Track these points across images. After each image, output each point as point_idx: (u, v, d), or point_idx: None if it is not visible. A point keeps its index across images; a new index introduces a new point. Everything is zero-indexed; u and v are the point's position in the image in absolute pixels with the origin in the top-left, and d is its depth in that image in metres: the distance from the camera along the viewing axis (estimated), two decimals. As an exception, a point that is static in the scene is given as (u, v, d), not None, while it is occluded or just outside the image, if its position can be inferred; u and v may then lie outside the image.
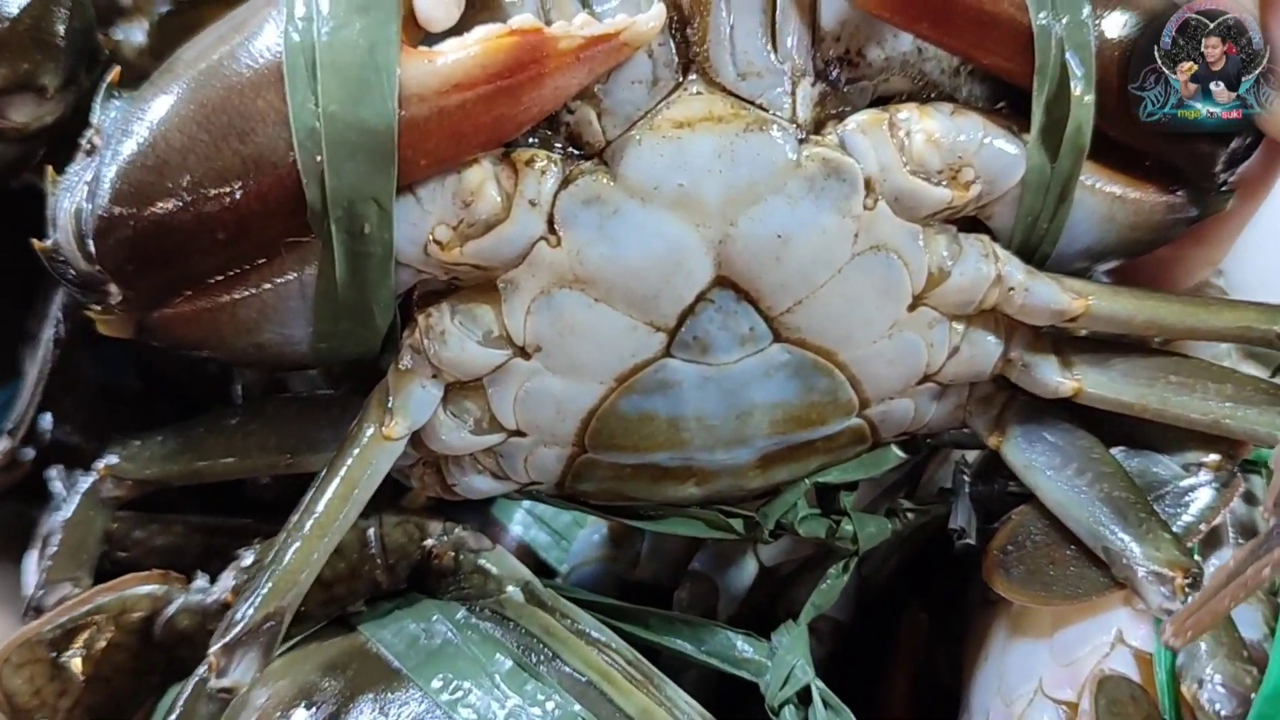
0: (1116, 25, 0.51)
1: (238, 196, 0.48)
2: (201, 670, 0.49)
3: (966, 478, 0.58)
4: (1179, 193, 0.54)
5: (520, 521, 0.71)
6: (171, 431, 0.58)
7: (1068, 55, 0.49)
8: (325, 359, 0.54)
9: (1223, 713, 0.44)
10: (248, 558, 0.55)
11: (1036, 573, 0.53)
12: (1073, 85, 0.50)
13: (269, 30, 0.48)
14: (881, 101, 0.52)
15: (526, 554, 0.70)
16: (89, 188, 0.50)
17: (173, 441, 0.58)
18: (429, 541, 0.57)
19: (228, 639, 0.49)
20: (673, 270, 0.49)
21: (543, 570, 0.70)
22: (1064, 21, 0.49)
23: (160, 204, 0.48)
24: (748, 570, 0.65)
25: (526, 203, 0.49)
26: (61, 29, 0.59)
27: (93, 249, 0.50)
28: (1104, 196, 0.53)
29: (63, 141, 0.57)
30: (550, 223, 0.49)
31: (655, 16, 0.48)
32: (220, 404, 0.67)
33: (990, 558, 0.55)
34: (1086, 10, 0.50)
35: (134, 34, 0.67)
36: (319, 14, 0.47)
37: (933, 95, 0.52)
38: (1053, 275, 0.53)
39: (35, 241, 0.52)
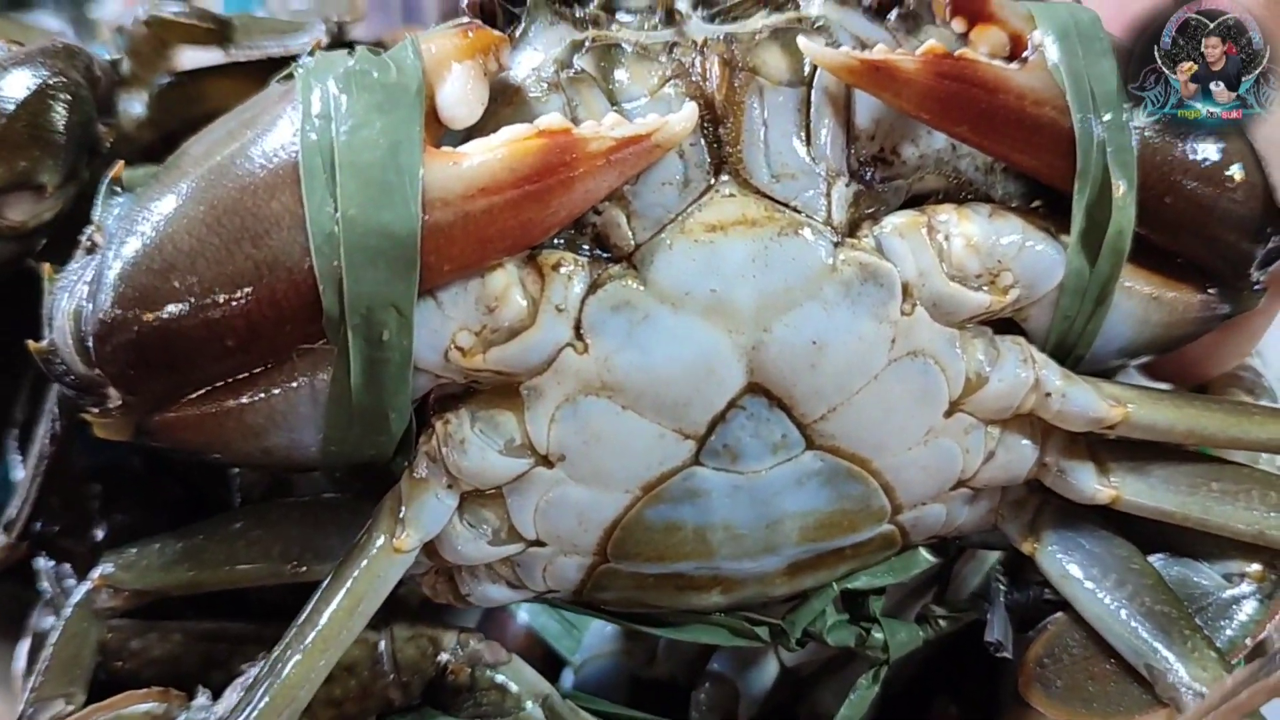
0: (1155, 125, 0.50)
1: (250, 303, 0.45)
2: None
3: (1002, 586, 0.56)
4: (1212, 291, 0.53)
5: (528, 609, 0.68)
6: (170, 539, 0.55)
7: (1109, 157, 0.48)
8: (336, 463, 0.51)
9: None
10: (252, 672, 0.52)
11: (1076, 689, 0.52)
12: (1115, 188, 0.48)
13: (284, 127, 0.46)
14: (916, 200, 0.51)
15: (535, 643, 0.67)
16: (89, 288, 0.47)
17: (171, 550, 0.55)
18: (443, 656, 0.54)
19: None
20: (704, 378, 0.47)
21: (552, 660, 0.66)
22: (1105, 121, 0.48)
23: (166, 309, 0.46)
24: (769, 672, 0.63)
25: (553, 308, 0.47)
26: (60, 124, 0.57)
27: (92, 352, 0.47)
28: (1140, 297, 0.52)
29: (62, 235, 0.55)
30: (577, 329, 0.47)
31: (688, 116, 0.46)
32: (223, 491, 0.64)
33: (1027, 670, 0.53)
34: (1126, 111, 0.49)
35: (133, 105, 0.65)
36: (338, 112, 0.45)
37: (967, 193, 0.51)
38: (1090, 380, 0.51)
39: (31, 343, 0.50)
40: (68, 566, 0.63)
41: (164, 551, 0.56)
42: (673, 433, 0.48)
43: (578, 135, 0.45)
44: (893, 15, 0.52)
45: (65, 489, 0.64)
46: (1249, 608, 0.51)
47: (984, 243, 0.49)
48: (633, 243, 0.47)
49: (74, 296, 0.48)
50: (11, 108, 0.56)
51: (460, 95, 0.47)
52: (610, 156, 0.45)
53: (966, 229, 0.49)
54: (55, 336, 0.49)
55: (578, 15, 0.51)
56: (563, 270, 0.47)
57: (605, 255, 0.48)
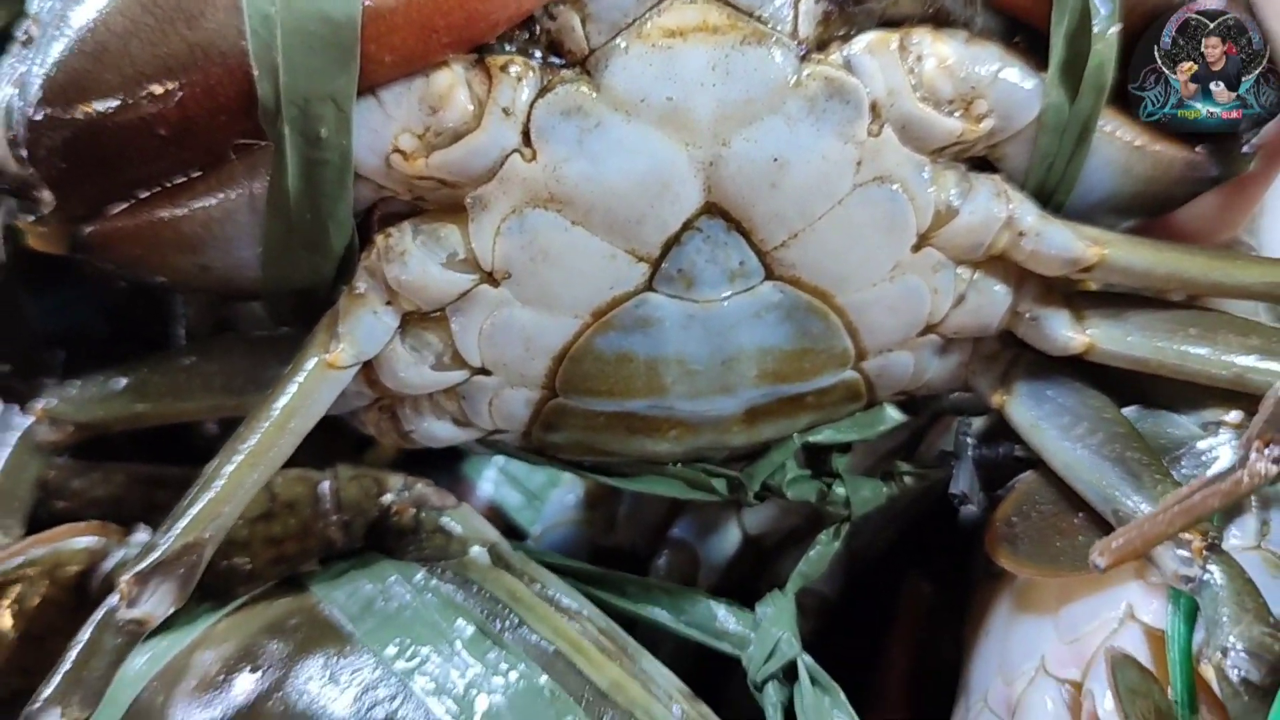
0: None
1: (183, 90, 0.44)
2: (112, 600, 0.45)
3: (970, 440, 0.54)
4: (1199, 150, 0.51)
5: (491, 479, 0.67)
6: (113, 372, 0.54)
7: None
8: (276, 286, 0.49)
9: (1251, 679, 0.40)
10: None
11: (1043, 544, 0.49)
12: (1094, 19, 0.46)
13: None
14: (889, 25, 0.48)
15: (496, 515, 0.66)
16: (22, 80, 0.45)
17: (114, 383, 0.54)
18: (388, 497, 0.53)
19: (141, 566, 0.44)
20: (658, 193, 0.45)
21: (513, 533, 0.65)
22: None
23: (98, 97, 0.44)
24: (731, 539, 0.61)
25: (500, 111, 0.44)
26: None
27: (24, 148, 0.46)
28: (1123, 145, 0.49)
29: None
30: (525, 134, 0.45)
31: (646, -90, 0.44)
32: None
33: (994, 529, 0.51)
34: None
35: None
36: (278, -109, 0.43)
37: (944, 22, 0.48)
38: (1068, 222, 0.49)
39: None
40: (15, 407, 0.61)
41: (106, 384, 0.54)
42: (625, 253, 0.46)
43: (528, -76, 0.43)
44: None
45: (16, 329, 0.63)
46: (1226, 455, 0.48)
47: (958, 65, 0.46)
48: (587, 47, 0.45)
49: (4, 91, 0.46)
50: None
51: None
52: (564, -56, 0.43)
53: (941, 50, 0.46)
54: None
55: None
56: (511, 71, 0.45)
57: (559, 62, 0.46)
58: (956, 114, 0.46)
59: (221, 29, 0.43)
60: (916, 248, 0.48)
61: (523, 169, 0.45)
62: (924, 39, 0.46)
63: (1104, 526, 0.48)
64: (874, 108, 0.46)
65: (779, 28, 0.45)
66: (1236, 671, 0.40)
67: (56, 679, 0.45)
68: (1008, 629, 0.51)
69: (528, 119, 0.45)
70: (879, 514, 0.55)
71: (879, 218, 0.47)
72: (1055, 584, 0.51)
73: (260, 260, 0.48)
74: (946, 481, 0.54)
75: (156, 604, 0.45)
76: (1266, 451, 0.37)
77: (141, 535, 0.53)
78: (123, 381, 0.54)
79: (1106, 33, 0.47)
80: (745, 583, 0.60)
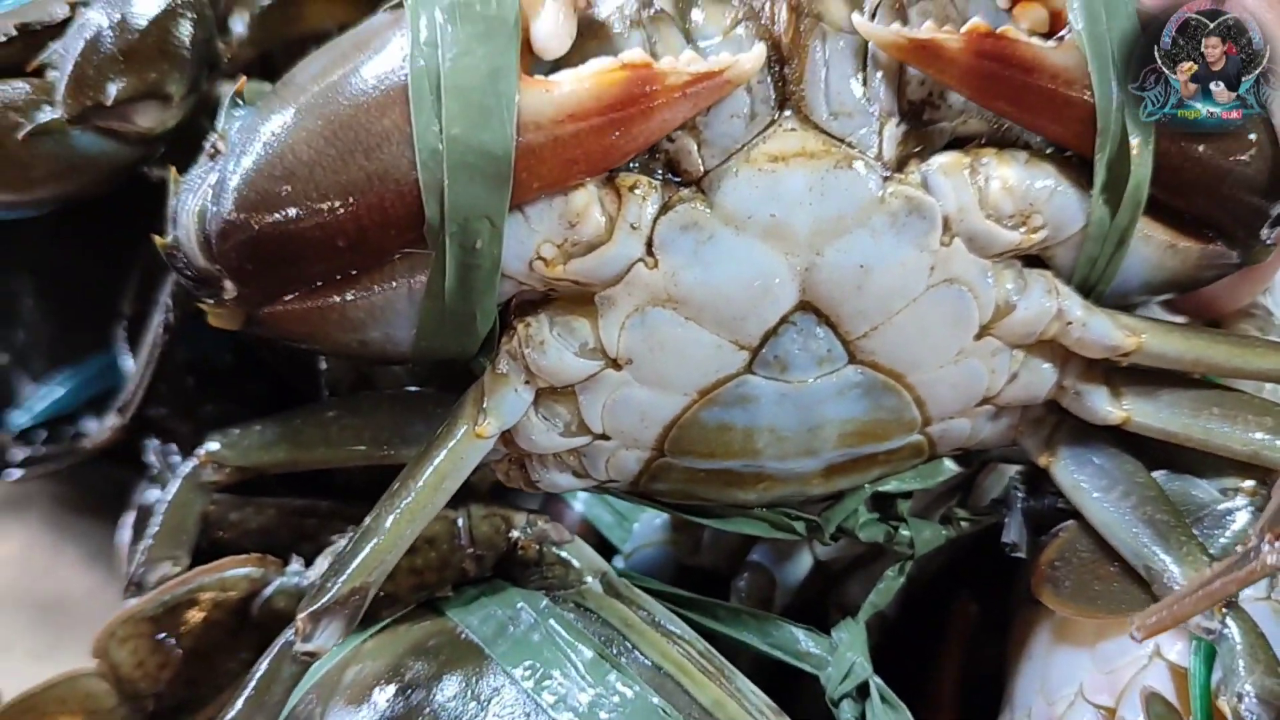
0: None
1: (360, 208, 0.51)
2: (289, 633, 0.53)
3: (1020, 494, 0.62)
4: (1224, 244, 0.57)
5: (583, 499, 0.74)
6: (270, 422, 0.62)
7: (1127, 116, 0.52)
8: (424, 358, 0.57)
9: None
10: (341, 542, 0.59)
11: (1083, 587, 0.57)
12: (1131, 146, 0.53)
13: (394, 52, 0.51)
14: (960, 142, 0.55)
15: (589, 531, 0.74)
16: (213, 190, 0.53)
17: (271, 432, 0.61)
18: (514, 534, 0.60)
19: (315, 607, 0.53)
20: (760, 295, 0.53)
21: (605, 548, 0.73)
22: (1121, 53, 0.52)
23: (285, 211, 0.51)
24: (803, 564, 0.69)
25: (628, 226, 0.52)
26: (186, 41, 0.62)
27: (214, 249, 0.53)
28: (1156, 245, 0.56)
29: (179, 142, 0.60)
30: (649, 246, 0.52)
31: (756, 56, 0.51)
32: (310, 385, 0.70)
33: (1040, 571, 0.59)
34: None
35: (235, 25, 0.70)
36: (443, 40, 0.50)
37: (1007, 137, 0.55)
38: (1109, 311, 0.56)
39: (157, 238, 0.56)
40: (173, 445, 0.70)
41: (264, 433, 0.62)
42: (729, 343, 0.54)
43: (657, 69, 0.50)
44: (951, -37, 0.57)
45: (171, 376, 0.71)
46: (1242, 518, 0.56)
47: (1019, 187, 0.53)
48: (701, 169, 0.52)
49: (199, 197, 0.53)
50: (144, 24, 0.61)
51: (551, 29, 0.51)
52: (685, 90, 0.50)
53: (1004, 173, 0.53)
54: (179, 233, 0.54)
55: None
56: (637, 192, 0.52)
57: (676, 180, 0.53)
58: (1016, 227, 0.54)
59: (395, 160, 0.50)
60: (978, 337, 0.55)
61: (645, 275, 0.53)
62: (991, 161, 0.54)
63: (1135, 575, 0.56)
64: (946, 222, 0.53)
65: (867, 151, 0.53)
66: (1251, 715, 0.49)
67: (240, 703, 0.54)
68: (1049, 655, 0.59)
69: (651, 233, 0.52)
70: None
71: (948, 313, 0.54)
72: (1092, 621, 0.59)
73: (413, 339, 0.55)
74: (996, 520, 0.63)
75: (327, 639, 0.53)
76: (1277, 545, 0.45)
77: (296, 566, 0.61)
78: (277, 431, 0.62)
79: (1143, 160, 0.53)
80: (815, 601, 0.68)
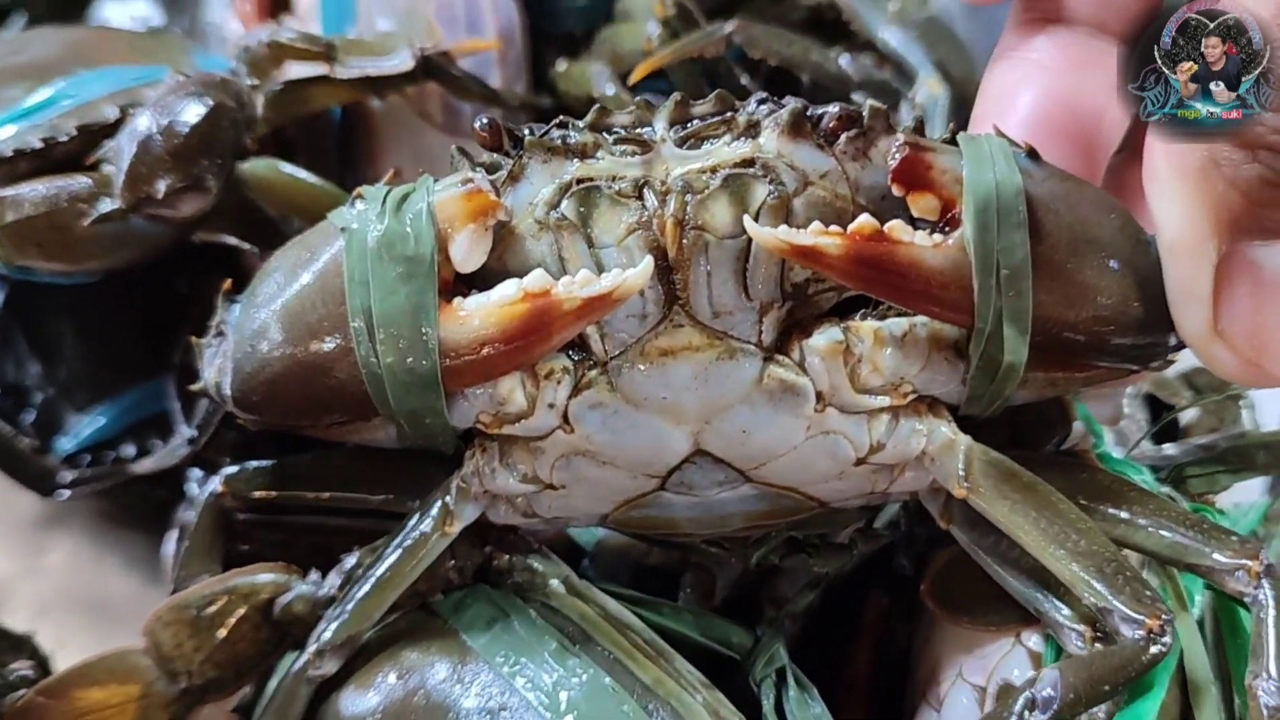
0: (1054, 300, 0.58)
1: (328, 399, 0.63)
2: (301, 663, 0.66)
3: (904, 524, 0.74)
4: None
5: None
6: (279, 464, 0.73)
7: (1005, 316, 0.58)
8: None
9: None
10: (349, 561, 0.70)
11: (965, 602, 0.70)
12: (1006, 340, 0.58)
13: (334, 286, 0.60)
14: (846, 305, 0.62)
15: (562, 534, 0.83)
16: (219, 369, 0.66)
17: (277, 472, 0.74)
18: (489, 548, 0.72)
19: (318, 646, 0.65)
20: (660, 449, 0.63)
21: (573, 549, 0.85)
22: (1007, 293, 0.57)
23: (275, 395, 0.64)
24: (738, 564, 0.82)
25: (546, 405, 0.62)
26: (223, 139, 0.74)
27: (230, 405, 0.67)
28: (1044, 380, 0.63)
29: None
30: (565, 418, 0.63)
31: (643, 273, 0.58)
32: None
33: (928, 583, 0.72)
34: (1026, 281, 0.57)
35: (255, 112, 0.79)
36: (373, 280, 0.59)
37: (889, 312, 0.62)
38: (968, 456, 0.63)
39: (194, 387, 0.69)
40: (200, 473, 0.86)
41: (272, 472, 0.74)
42: (642, 476, 0.65)
43: (553, 298, 0.58)
44: (842, 140, 0.60)
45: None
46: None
47: (890, 369, 0.61)
48: (605, 355, 0.61)
49: (212, 371, 0.66)
50: (187, 130, 0.74)
51: (466, 251, 0.60)
52: (580, 312, 0.58)
53: (876, 359, 0.60)
54: (206, 385, 0.68)
55: (570, 142, 0.61)
56: (553, 377, 0.62)
57: (588, 358, 0.62)
58: (886, 394, 0.61)
59: (347, 377, 0.61)
60: (857, 464, 0.65)
61: (565, 438, 0.64)
62: (867, 342, 0.60)
63: (1004, 593, 0.66)
64: (819, 395, 0.61)
65: (747, 341, 0.60)
66: (1265, 696, 0.56)
67: (265, 716, 0.69)
68: (941, 642, 0.73)
69: (565, 409, 0.63)
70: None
71: (825, 453, 0.64)
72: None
73: (396, 443, 0.68)
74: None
75: (332, 666, 0.67)
76: None
77: (314, 577, 0.70)
78: (284, 473, 0.74)
79: (1018, 349, 0.58)
80: (750, 595, 0.80)
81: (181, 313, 0.90)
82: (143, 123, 0.74)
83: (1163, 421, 0.86)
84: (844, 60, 0.97)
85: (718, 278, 0.59)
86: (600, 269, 0.60)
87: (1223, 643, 0.68)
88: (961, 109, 0.93)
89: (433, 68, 0.88)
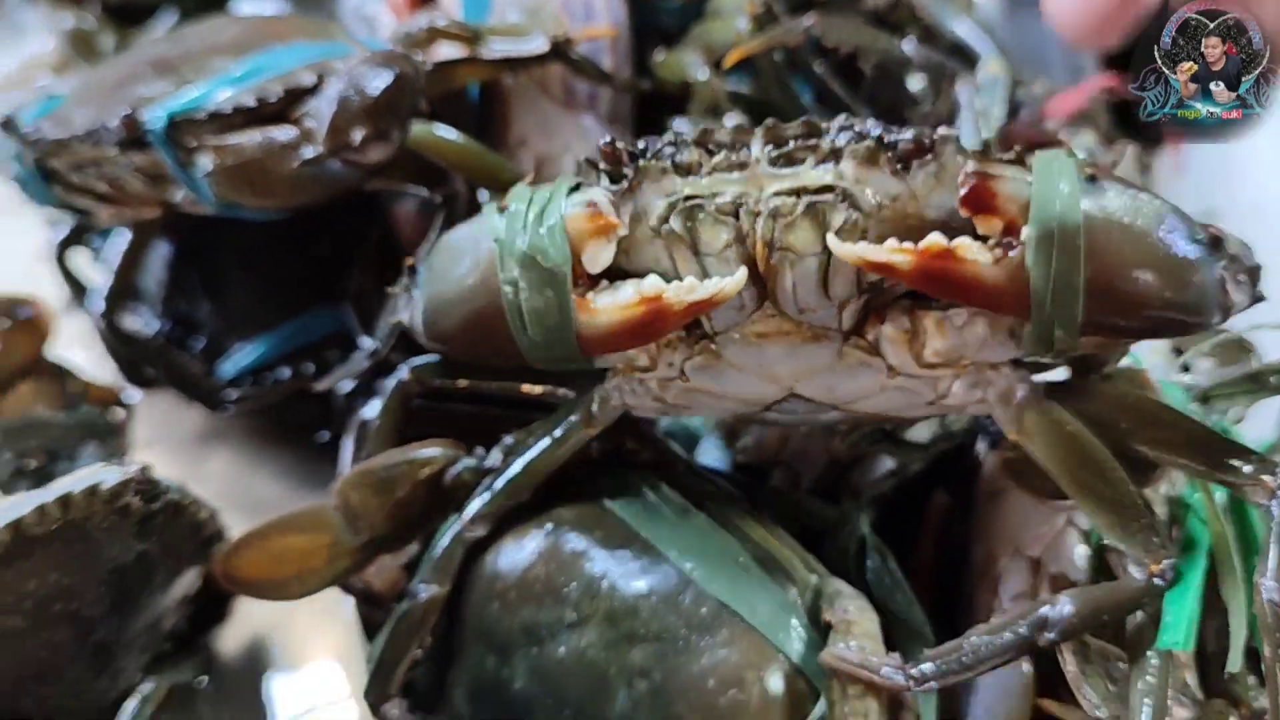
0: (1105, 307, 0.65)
1: (496, 351, 0.78)
2: (459, 526, 0.82)
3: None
4: None
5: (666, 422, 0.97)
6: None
7: (1057, 323, 0.66)
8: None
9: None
10: (508, 440, 0.84)
11: (1031, 480, 0.82)
12: (1057, 339, 0.67)
13: (491, 285, 0.73)
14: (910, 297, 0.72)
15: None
16: (410, 314, 0.81)
17: (456, 365, 0.88)
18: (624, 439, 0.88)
19: (473, 514, 0.81)
20: (761, 394, 0.77)
21: (688, 439, 0.98)
22: (1060, 311, 0.65)
23: (454, 346, 0.80)
24: (820, 461, 0.95)
25: (666, 364, 0.77)
26: (405, 101, 0.89)
27: (423, 339, 0.83)
28: (1094, 345, 0.72)
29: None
30: (681, 372, 0.77)
31: (737, 282, 0.69)
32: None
33: (1006, 463, 0.86)
34: (1079, 297, 0.65)
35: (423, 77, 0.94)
36: (521, 284, 0.72)
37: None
38: (1021, 407, 0.74)
39: (398, 320, 0.85)
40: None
41: (449, 365, 0.87)
42: (746, 405, 0.80)
43: (664, 302, 0.70)
44: (914, 167, 0.67)
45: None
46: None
47: (950, 349, 0.71)
48: (712, 332, 0.74)
49: (407, 314, 0.82)
50: (379, 91, 0.90)
51: (593, 259, 0.72)
52: (686, 311, 0.70)
53: (936, 345, 0.71)
54: (407, 321, 0.83)
55: (679, 160, 0.70)
56: (670, 346, 0.76)
57: (699, 332, 0.75)
58: (947, 369, 0.73)
59: (506, 341, 0.76)
60: (929, 405, 0.77)
61: (682, 384, 0.78)
62: (929, 330, 0.71)
63: None
64: (890, 369, 0.73)
65: (829, 328, 0.72)
66: (1267, 593, 0.63)
67: (427, 570, 0.87)
68: (998, 528, 0.88)
69: (681, 367, 0.77)
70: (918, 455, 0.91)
71: (901, 398, 0.76)
72: (1028, 503, 0.86)
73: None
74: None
75: (484, 530, 0.84)
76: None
77: (480, 451, 0.83)
78: (463, 365, 0.88)
79: (1071, 339, 0.67)
80: (830, 485, 0.94)
81: (342, 253, 1.08)
82: (342, 85, 0.89)
83: (1182, 360, 0.92)
84: (906, 44, 1.07)
85: (802, 286, 0.70)
86: (704, 274, 0.71)
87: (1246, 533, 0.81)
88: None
89: (559, 51, 1.02)
